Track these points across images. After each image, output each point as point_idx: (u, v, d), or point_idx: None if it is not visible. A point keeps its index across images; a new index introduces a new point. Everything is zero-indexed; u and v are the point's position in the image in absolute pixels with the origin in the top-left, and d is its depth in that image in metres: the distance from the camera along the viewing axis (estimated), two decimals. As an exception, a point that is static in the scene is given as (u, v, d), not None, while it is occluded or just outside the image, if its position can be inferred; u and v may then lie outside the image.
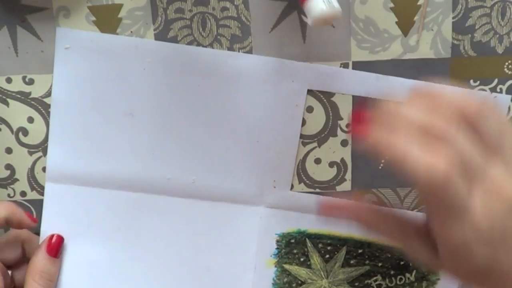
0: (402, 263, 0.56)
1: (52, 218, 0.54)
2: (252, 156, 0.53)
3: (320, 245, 0.55)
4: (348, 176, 0.55)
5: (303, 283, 0.56)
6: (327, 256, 0.56)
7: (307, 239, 0.55)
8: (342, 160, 0.54)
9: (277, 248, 0.55)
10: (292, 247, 0.56)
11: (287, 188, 0.54)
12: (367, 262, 0.56)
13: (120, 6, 0.51)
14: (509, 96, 0.53)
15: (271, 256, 0.55)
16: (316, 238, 0.55)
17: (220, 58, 0.51)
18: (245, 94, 0.51)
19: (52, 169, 0.54)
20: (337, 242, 0.55)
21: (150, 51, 0.51)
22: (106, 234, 0.55)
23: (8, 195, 0.56)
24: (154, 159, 0.53)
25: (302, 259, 0.56)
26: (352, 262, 0.56)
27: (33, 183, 0.55)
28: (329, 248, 0.55)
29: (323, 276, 0.56)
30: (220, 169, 0.53)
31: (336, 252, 0.55)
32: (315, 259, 0.56)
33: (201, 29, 0.52)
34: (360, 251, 0.55)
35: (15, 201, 0.56)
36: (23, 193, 0.56)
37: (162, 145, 0.53)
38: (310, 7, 0.45)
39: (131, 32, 0.52)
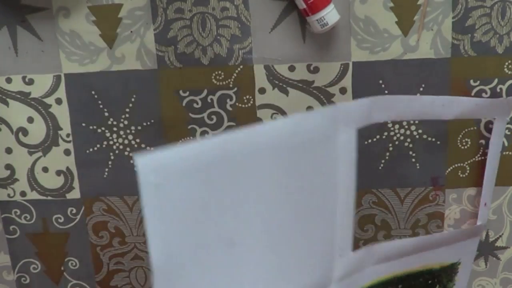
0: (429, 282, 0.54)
1: None
2: (325, 236, 0.44)
3: None
4: (348, 176, 0.55)
5: None
6: None
7: None
8: (342, 160, 0.54)
9: None
10: None
11: (350, 250, 0.46)
12: None
13: (120, 6, 0.51)
14: None
15: None
16: None
17: (287, 128, 0.41)
18: (315, 160, 0.43)
19: None
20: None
21: (242, 144, 0.40)
22: None
23: (8, 195, 0.56)
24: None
25: None
26: None
27: (33, 183, 0.55)
28: None
29: None
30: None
31: None
32: None
33: (201, 29, 0.52)
34: None
35: (14, 201, 0.56)
36: (23, 193, 0.56)
37: (270, 278, 0.42)
38: (314, 23, 0.49)
39: (131, 31, 0.52)
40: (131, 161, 0.56)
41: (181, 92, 0.54)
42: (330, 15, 0.49)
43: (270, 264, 0.42)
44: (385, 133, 0.54)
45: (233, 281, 0.41)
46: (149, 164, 0.37)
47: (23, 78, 0.53)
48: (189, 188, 0.39)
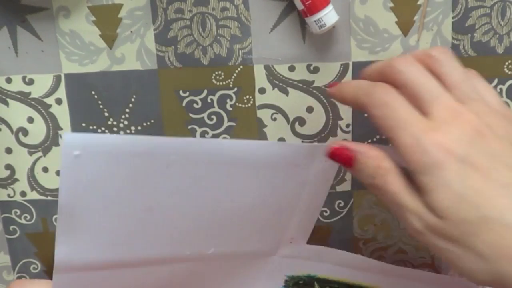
0: None
1: None
2: (272, 222, 0.51)
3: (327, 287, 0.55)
4: (348, 176, 0.55)
5: None
6: None
7: (315, 282, 0.54)
8: (342, 160, 0.54)
9: (284, 286, 0.54)
10: (300, 286, 0.55)
11: (304, 242, 0.53)
12: None
13: (120, 6, 0.51)
14: None
15: None
16: (324, 282, 0.54)
17: (251, 149, 0.46)
18: (274, 179, 0.48)
19: (60, 263, 0.44)
20: (345, 287, 0.54)
21: (175, 149, 0.44)
22: None
23: (8, 195, 0.56)
24: (172, 243, 0.48)
25: None
26: None
27: (33, 183, 0.55)
28: None
29: None
30: (238, 237, 0.50)
31: None
32: None
33: (201, 29, 0.52)
34: None
35: (14, 201, 0.56)
36: (23, 193, 0.56)
37: (181, 232, 0.48)
38: (312, 24, 0.49)
39: (131, 32, 0.52)
40: (131, 161, 0.56)
41: (181, 92, 0.54)
42: (328, 16, 0.49)
43: (188, 228, 0.47)
44: (385, 133, 0.54)
45: (148, 237, 0.46)
46: (76, 139, 0.41)
47: (23, 78, 0.53)
48: (112, 165, 0.42)
